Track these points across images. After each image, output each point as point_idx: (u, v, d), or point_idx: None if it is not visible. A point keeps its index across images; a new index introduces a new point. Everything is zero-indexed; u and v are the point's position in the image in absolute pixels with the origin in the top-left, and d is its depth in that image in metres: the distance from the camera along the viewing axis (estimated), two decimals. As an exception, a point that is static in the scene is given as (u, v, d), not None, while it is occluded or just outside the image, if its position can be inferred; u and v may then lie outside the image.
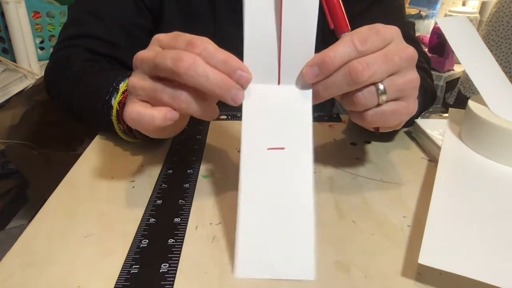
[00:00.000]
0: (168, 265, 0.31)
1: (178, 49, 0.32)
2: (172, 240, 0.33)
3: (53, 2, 1.23)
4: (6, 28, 1.07)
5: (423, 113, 0.55)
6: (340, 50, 0.33)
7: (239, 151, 0.48)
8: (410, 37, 0.66)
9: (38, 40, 1.17)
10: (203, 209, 0.38)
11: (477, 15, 1.87)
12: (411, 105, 0.36)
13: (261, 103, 0.35)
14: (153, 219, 0.36)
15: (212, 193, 0.40)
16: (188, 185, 0.41)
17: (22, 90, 1.13)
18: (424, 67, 0.58)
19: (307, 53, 0.34)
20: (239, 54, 0.35)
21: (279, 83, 0.36)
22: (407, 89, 0.35)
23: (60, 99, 0.56)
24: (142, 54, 0.35)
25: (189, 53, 0.32)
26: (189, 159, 0.45)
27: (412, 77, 0.35)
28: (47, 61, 1.02)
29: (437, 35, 1.68)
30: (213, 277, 0.30)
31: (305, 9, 0.34)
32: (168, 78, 0.33)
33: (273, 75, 0.35)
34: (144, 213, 0.37)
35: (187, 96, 0.33)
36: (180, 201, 0.38)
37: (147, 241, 0.33)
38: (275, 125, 0.34)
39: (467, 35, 0.50)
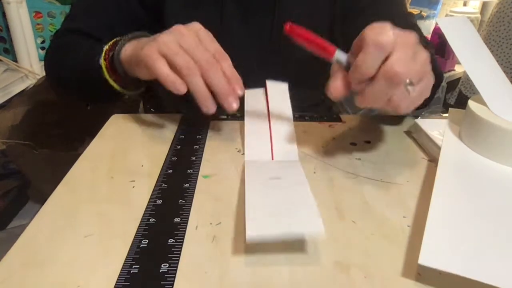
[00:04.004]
0: (168, 265, 0.31)
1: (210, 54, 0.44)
2: (172, 240, 0.33)
3: (54, 2, 1.23)
4: (7, 28, 1.08)
5: (424, 113, 0.55)
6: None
7: (239, 151, 0.48)
8: (414, 24, 0.67)
9: (39, 40, 1.18)
10: (203, 209, 0.38)
11: (478, 15, 1.87)
12: (430, 79, 0.39)
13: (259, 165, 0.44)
14: (153, 219, 0.36)
15: (212, 193, 0.40)
16: (188, 185, 0.41)
17: (23, 90, 1.13)
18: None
19: (291, 135, 0.49)
20: (243, 45, 0.51)
21: (272, 159, 0.46)
22: (424, 69, 0.38)
23: (60, 74, 0.63)
24: (185, 32, 0.44)
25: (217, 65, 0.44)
26: (189, 159, 0.45)
27: (424, 56, 0.37)
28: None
29: (438, 35, 1.68)
30: (213, 277, 0.30)
31: (284, 107, 0.52)
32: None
33: (267, 154, 0.46)
34: (144, 213, 0.37)
35: (200, 79, 0.43)
36: (180, 201, 0.38)
37: (147, 241, 0.33)
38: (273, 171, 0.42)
39: (467, 35, 0.50)
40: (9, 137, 1.13)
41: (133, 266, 0.31)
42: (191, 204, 0.38)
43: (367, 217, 0.37)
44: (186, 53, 0.43)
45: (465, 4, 2.01)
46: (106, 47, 0.53)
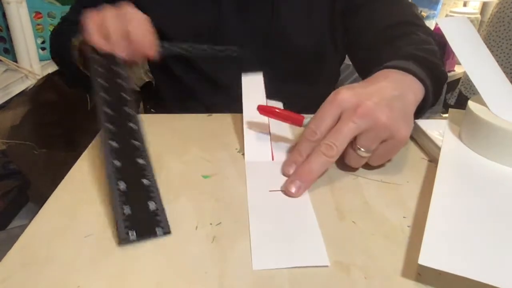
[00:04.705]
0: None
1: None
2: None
3: (55, 3, 1.23)
4: (7, 28, 1.07)
5: (425, 113, 0.55)
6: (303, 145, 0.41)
7: (239, 151, 0.48)
8: (415, 15, 0.66)
9: (39, 41, 1.18)
10: (203, 209, 0.38)
11: (478, 15, 1.87)
12: (400, 138, 0.40)
13: (260, 170, 0.44)
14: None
15: (212, 193, 0.40)
16: (143, 160, 0.40)
17: (23, 91, 1.13)
18: (432, 49, 0.58)
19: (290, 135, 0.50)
20: (241, 42, 0.55)
21: (272, 159, 0.46)
22: (382, 134, 0.39)
23: (54, 57, 0.76)
24: (130, 9, 0.53)
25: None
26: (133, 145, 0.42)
27: (380, 125, 0.39)
28: (49, 61, 1.04)
29: (438, 35, 1.68)
30: (213, 277, 0.30)
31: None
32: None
33: (267, 154, 0.46)
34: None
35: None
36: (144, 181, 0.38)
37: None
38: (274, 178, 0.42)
39: (467, 35, 0.50)
40: (9, 137, 1.13)
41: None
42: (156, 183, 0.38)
43: (367, 217, 0.37)
44: (118, 19, 0.53)
45: (465, 5, 2.01)
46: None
